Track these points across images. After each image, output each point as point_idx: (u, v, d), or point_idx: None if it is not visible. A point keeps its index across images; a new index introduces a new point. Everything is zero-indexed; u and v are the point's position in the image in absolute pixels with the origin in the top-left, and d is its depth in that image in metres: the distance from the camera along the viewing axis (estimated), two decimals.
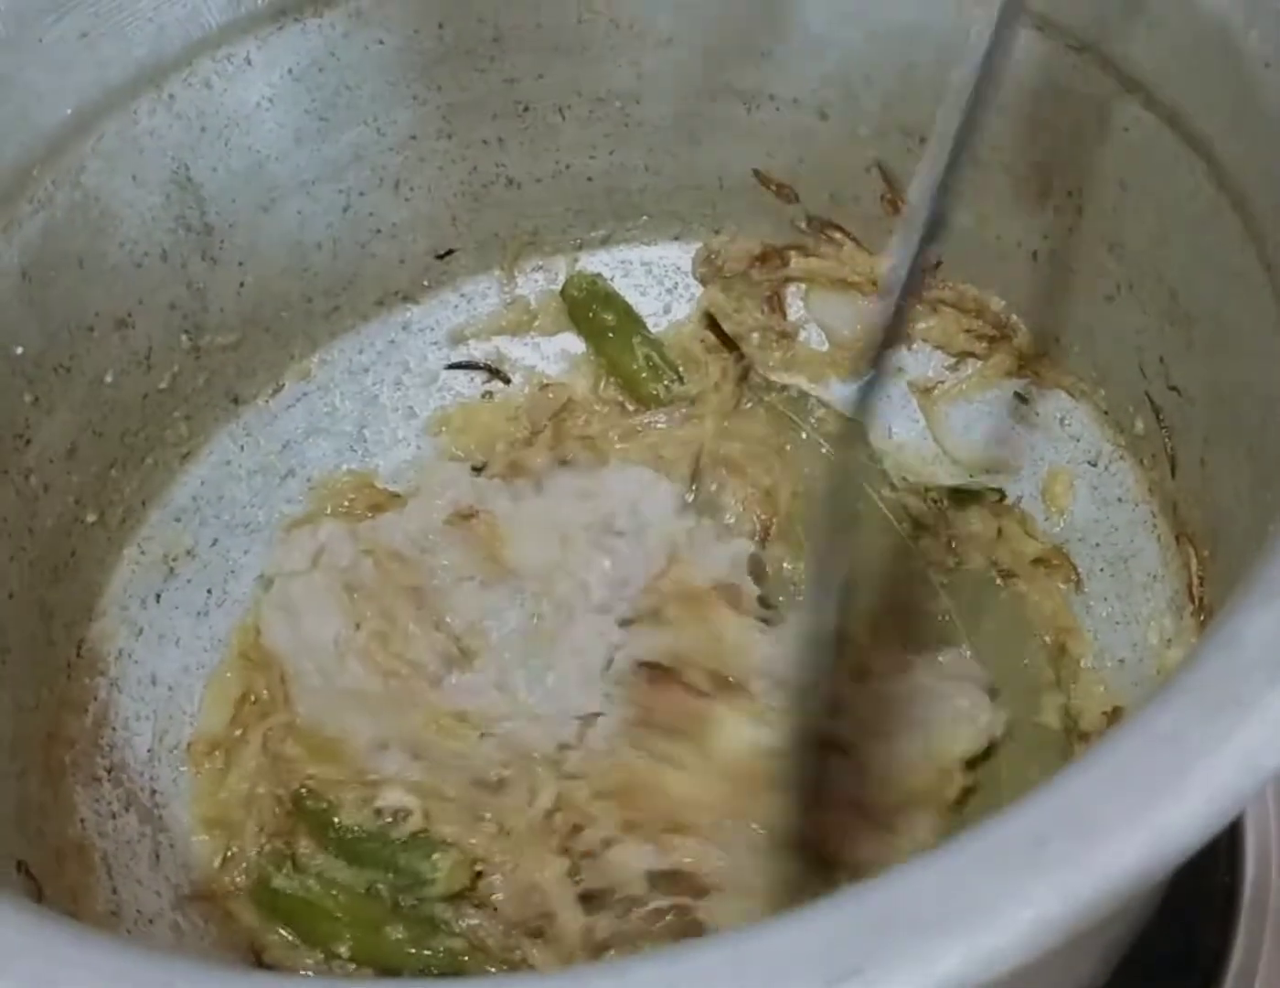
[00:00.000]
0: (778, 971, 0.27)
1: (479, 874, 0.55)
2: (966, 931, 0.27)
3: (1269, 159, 0.43)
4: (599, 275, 0.67)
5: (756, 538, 0.62)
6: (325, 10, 0.57)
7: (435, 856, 0.55)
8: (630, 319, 0.67)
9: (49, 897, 0.48)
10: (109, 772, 0.56)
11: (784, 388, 0.65)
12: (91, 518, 0.58)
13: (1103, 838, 0.27)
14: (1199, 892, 0.53)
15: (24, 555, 0.54)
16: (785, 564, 0.61)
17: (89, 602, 0.58)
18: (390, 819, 0.56)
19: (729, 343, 0.65)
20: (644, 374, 0.65)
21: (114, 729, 0.57)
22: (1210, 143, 0.47)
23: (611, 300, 0.67)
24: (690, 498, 0.63)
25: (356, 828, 0.56)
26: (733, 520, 0.62)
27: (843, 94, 0.59)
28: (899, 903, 0.27)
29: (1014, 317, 0.61)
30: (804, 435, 0.63)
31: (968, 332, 0.62)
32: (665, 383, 0.65)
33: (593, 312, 0.67)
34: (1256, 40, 0.43)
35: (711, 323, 0.66)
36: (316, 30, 0.58)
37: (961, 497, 0.61)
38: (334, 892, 0.55)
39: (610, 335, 0.66)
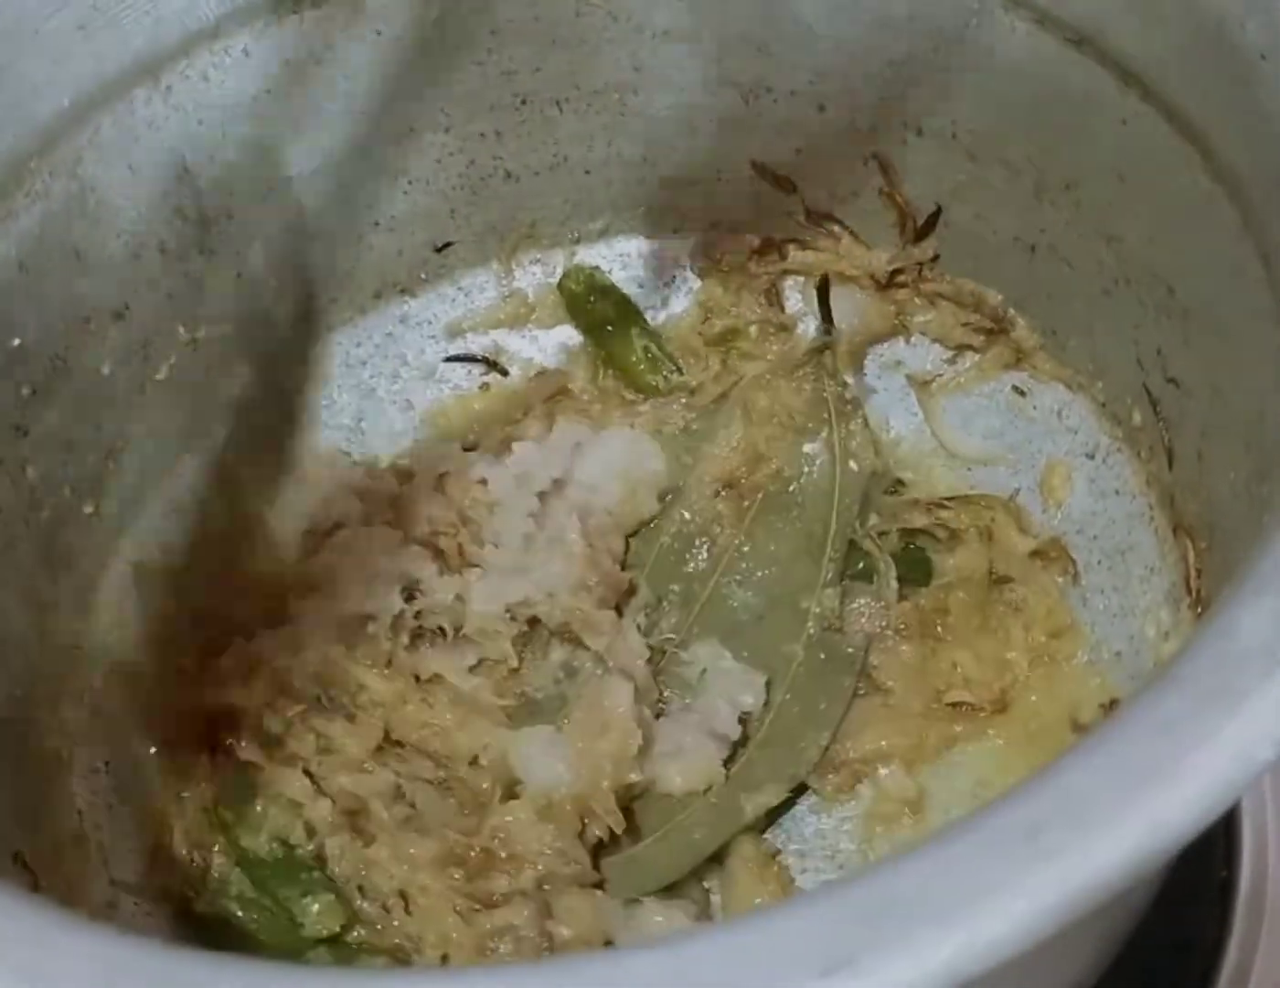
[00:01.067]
0: (772, 961, 0.27)
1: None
2: (961, 920, 0.27)
3: (1266, 151, 0.43)
4: (596, 268, 0.67)
5: (718, 488, 0.62)
6: (323, 2, 0.57)
7: (307, 898, 0.53)
8: (628, 310, 0.67)
9: (45, 888, 0.48)
10: (106, 765, 0.56)
11: (845, 385, 0.64)
12: (88, 510, 0.58)
13: (1098, 827, 0.27)
14: (1195, 885, 0.54)
15: (21, 547, 0.54)
16: (719, 527, 0.62)
17: (86, 594, 0.58)
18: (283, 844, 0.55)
19: (828, 316, 0.64)
20: (642, 365, 0.65)
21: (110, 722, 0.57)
22: (1207, 136, 0.47)
23: (609, 292, 0.67)
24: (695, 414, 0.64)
25: (251, 851, 0.55)
26: (715, 453, 0.63)
27: (840, 86, 0.59)
28: (893, 893, 0.27)
29: (1011, 310, 0.61)
30: (827, 435, 0.63)
31: (965, 325, 0.62)
32: (664, 374, 0.65)
33: (590, 304, 0.67)
34: (1253, 33, 0.43)
35: (822, 286, 0.64)
36: (314, 22, 0.57)
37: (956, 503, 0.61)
38: (254, 915, 0.54)
39: (608, 328, 0.66)
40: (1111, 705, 0.54)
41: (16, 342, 0.52)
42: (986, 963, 0.26)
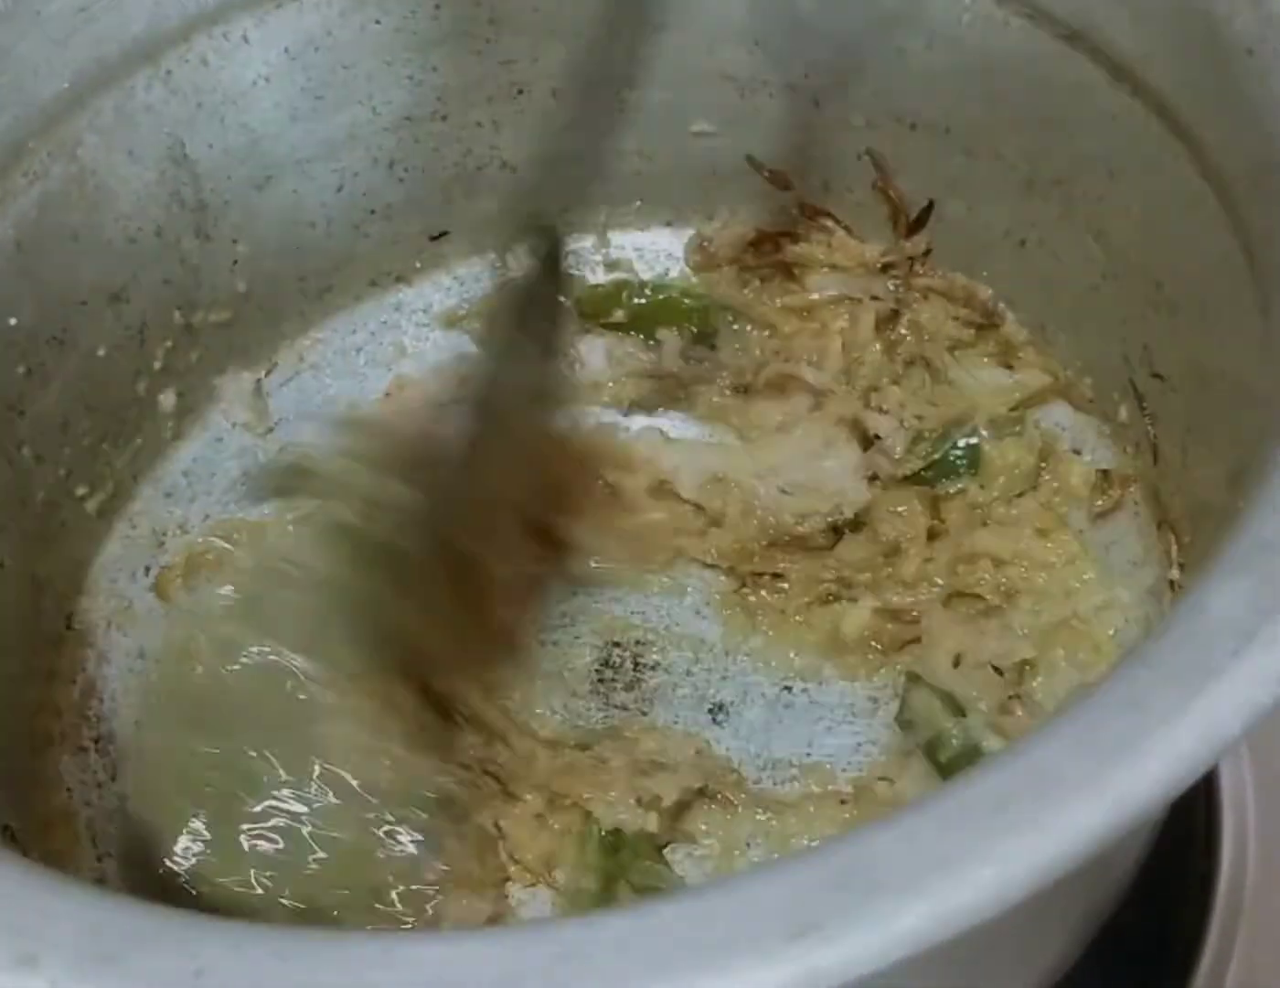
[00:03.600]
0: (741, 925, 0.27)
1: None
2: (928, 888, 0.27)
3: (1250, 146, 0.43)
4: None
5: None
6: None
7: None
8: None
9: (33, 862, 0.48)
10: (95, 742, 0.56)
11: None
12: (82, 491, 0.58)
13: (1063, 800, 0.28)
14: (1175, 878, 0.54)
15: (15, 527, 0.54)
16: None
17: (79, 575, 0.59)
18: None
19: None
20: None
21: (101, 701, 0.57)
22: (1195, 131, 0.47)
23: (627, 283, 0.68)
24: None
25: None
26: None
27: (834, 81, 0.59)
28: (861, 861, 0.28)
29: (1001, 304, 0.61)
30: None
31: (955, 319, 0.62)
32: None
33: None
34: (1240, 28, 0.44)
35: None
36: (314, 9, 0.58)
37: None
38: None
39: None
40: None
41: (13, 321, 0.53)
42: (953, 930, 0.27)
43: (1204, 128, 0.47)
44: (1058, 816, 0.28)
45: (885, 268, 0.63)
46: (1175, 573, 0.52)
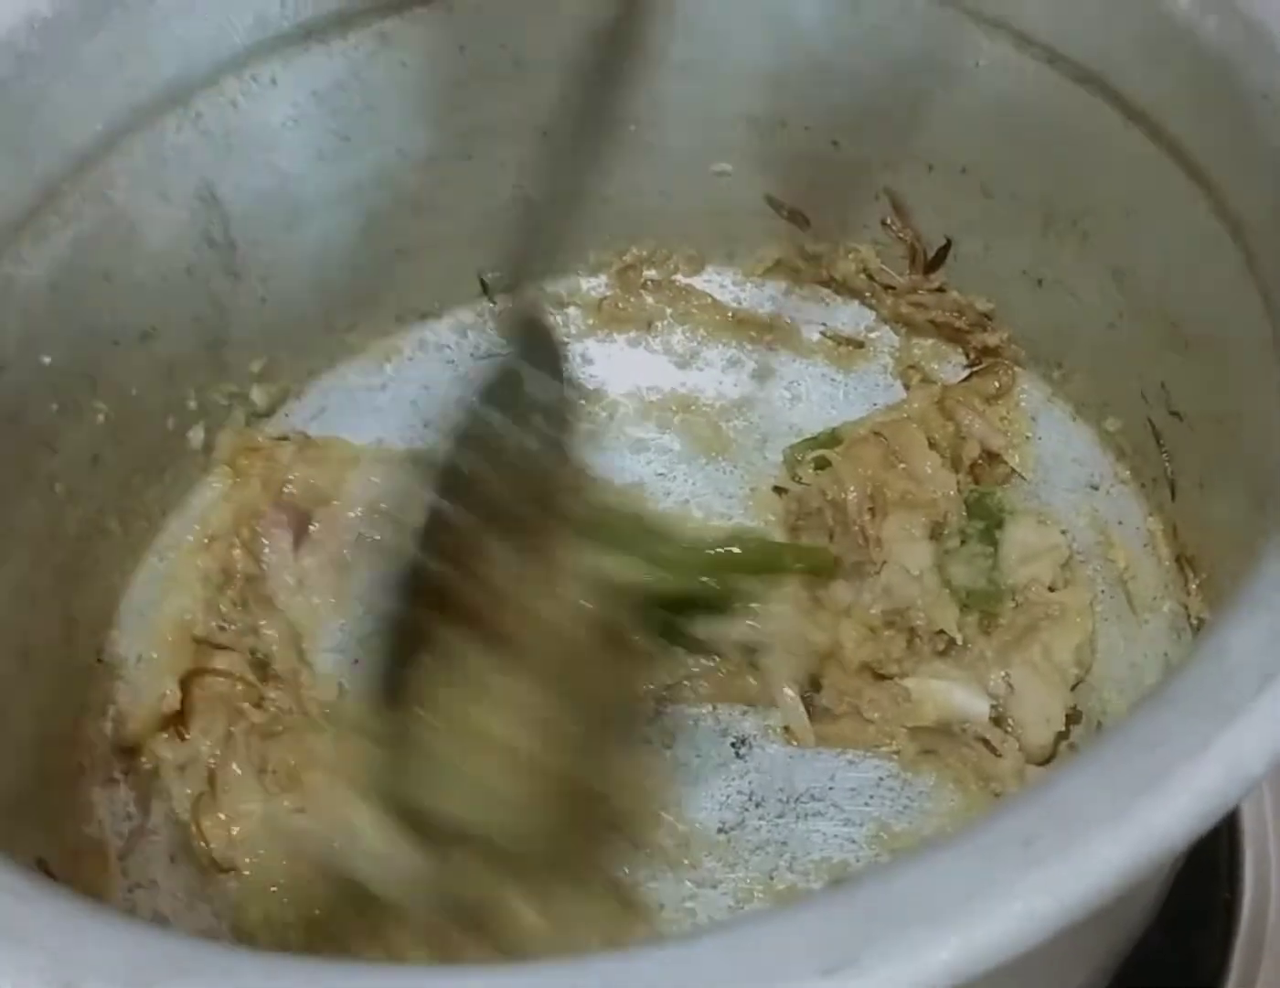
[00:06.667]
0: (776, 959, 0.28)
1: None
2: (958, 924, 0.28)
3: (1266, 189, 0.44)
4: None
5: None
6: (350, 32, 0.58)
7: None
8: None
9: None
10: (125, 774, 0.57)
11: None
12: (113, 526, 0.59)
13: (1089, 836, 0.28)
14: (1198, 907, 0.54)
15: (48, 562, 0.55)
16: None
17: (109, 608, 0.60)
18: None
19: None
20: None
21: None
22: (1210, 173, 0.48)
23: None
24: None
25: None
26: None
27: (853, 122, 0.60)
28: (892, 897, 0.28)
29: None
30: None
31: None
32: None
33: None
34: (1254, 73, 0.44)
35: None
36: (341, 52, 0.59)
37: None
38: None
39: None
40: None
41: (47, 360, 0.53)
42: (984, 964, 0.27)
43: (1219, 170, 0.47)
44: (1084, 851, 0.28)
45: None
46: (1194, 608, 0.53)
